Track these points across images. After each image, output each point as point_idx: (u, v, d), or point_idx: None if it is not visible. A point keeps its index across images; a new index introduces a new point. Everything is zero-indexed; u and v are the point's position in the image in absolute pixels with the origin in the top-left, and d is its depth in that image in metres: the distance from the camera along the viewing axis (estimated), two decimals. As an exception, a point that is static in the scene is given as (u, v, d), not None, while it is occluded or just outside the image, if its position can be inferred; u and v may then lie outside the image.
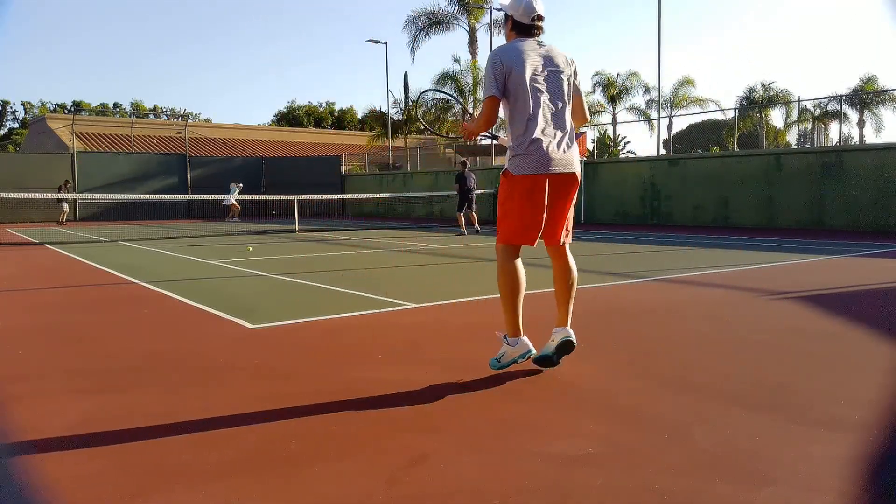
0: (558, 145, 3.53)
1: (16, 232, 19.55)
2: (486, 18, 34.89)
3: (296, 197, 19.91)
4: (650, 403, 3.19)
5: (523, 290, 3.59)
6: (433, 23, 36.08)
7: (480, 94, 35.59)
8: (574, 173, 3.60)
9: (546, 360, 3.68)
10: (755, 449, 2.59)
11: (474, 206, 16.32)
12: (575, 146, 3.62)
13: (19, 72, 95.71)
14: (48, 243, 14.51)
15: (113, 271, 8.95)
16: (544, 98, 3.53)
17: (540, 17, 3.60)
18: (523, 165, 3.49)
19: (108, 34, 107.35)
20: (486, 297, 6.32)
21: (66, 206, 24.33)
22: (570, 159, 3.58)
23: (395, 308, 5.77)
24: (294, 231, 18.15)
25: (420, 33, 36.15)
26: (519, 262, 3.60)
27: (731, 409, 3.08)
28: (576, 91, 3.70)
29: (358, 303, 6.13)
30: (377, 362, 4.02)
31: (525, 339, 3.63)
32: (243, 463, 2.52)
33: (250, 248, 12.59)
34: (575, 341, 3.66)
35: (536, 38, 3.62)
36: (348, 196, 27.29)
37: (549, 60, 3.57)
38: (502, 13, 3.73)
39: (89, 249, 12.82)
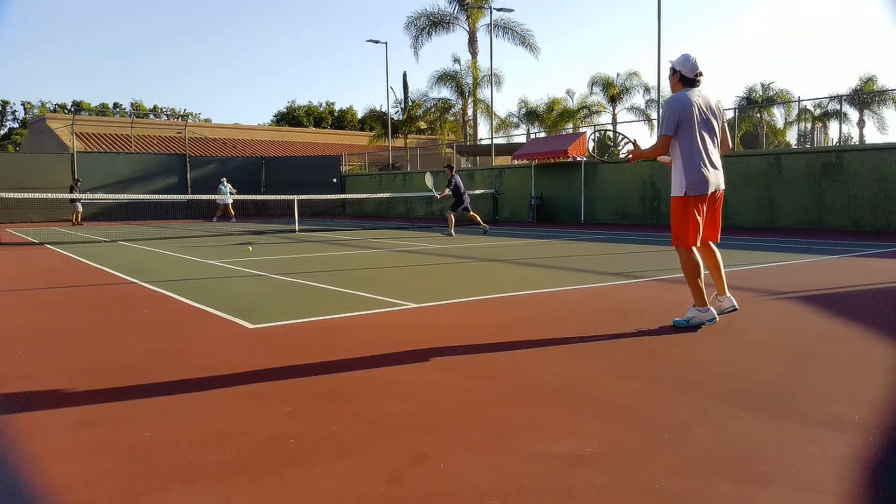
0: (715, 170, 4.74)
1: (16, 232, 19.55)
2: (485, 19, 34.89)
3: (296, 197, 19.91)
4: (650, 403, 3.19)
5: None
6: (433, 23, 36.06)
7: (481, 94, 35.71)
8: (720, 191, 4.84)
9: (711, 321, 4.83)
10: (755, 449, 2.59)
11: (470, 206, 16.15)
12: (721, 169, 4.84)
13: (19, 72, 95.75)
14: (48, 243, 14.51)
15: (113, 271, 8.95)
16: (706, 134, 4.69)
17: (700, 74, 4.73)
18: (693, 188, 4.66)
19: (107, 34, 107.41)
20: (485, 298, 6.32)
21: (80, 206, 24.13)
22: (720, 181, 4.79)
23: (395, 308, 5.77)
24: (294, 231, 18.15)
25: (421, 34, 36.16)
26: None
27: (731, 409, 3.08)
28: (723, 126, 4.88)
29: (358, 303, 6.13)
30: (377, 362, 4.02)
31: (712, 308, 4.82)
32: (243, 463, 2.52)
33: (250, 248, 12.59)
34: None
35: (698, 88, 4.75)
36: (348, 196, 27.30)
37: (707, 105, 4.74)
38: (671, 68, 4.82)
39: (89, 249, 12.82)
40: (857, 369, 3.77)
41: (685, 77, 4.72)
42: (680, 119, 4.64)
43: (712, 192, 4.74)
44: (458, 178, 15.94)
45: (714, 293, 5.05)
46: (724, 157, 5.02)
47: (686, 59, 4.72)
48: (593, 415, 3.04)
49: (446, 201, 17.40)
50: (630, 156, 5.14)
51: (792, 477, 2.34)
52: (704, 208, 4.75)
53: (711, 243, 4.96)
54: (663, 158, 4.95)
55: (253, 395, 3.38)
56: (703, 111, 4.71)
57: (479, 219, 16.47)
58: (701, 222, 4.74)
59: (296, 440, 2.74)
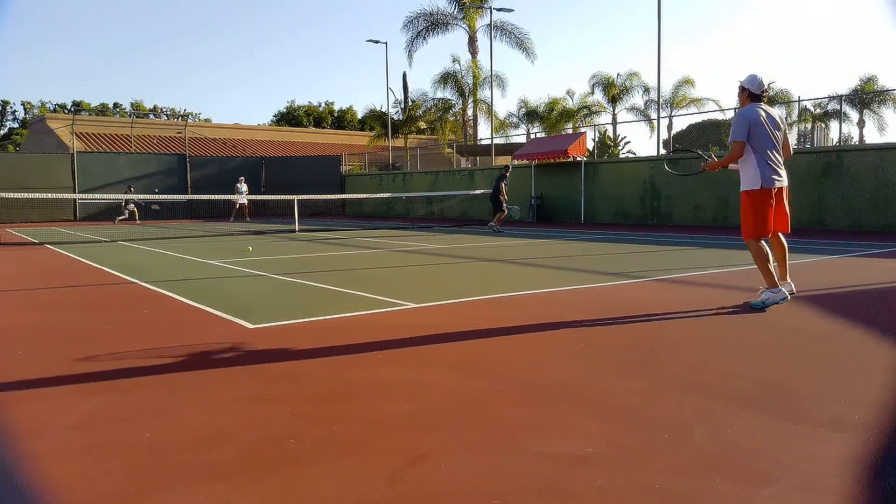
0: (780, 169, 5.52)
1: (16, 232, 19.56)
2: (485, 20, 34.88)
3: (296, 197, 19.91)
4: (650, 403, 3.19)
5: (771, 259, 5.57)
6: (432, 24, 36.01)
7: (481, 94, 35.75)
8: (785, 186, 5.58)
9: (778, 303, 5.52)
10: (755, 449, 2.59)
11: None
12: (784, 169, 5.60)
13: (19, 72, 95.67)
14: (48, 243, 14.51)
15: (113, 271, 8.95)
16: (772, 138, 5.48)
17: (766, 91, 5.62)
18: (767, 182, 5.44)
19: (108, 34, 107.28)
20: (485, 298, 6.32)
21: (132, 207, 24.64)
22: (784, 179, 5.56)
23: (395, 308, 5.77)
24: (294, 231, 18.15)
25: (418, 37, 36.11)
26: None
27: (731, 409, 3.08)
28: (785, 134, 5.63)
29: (358, 303, 6.13)
30: (377, 362, 4.02)
31: (783, 288, 5.53)
32: (243, 463, 2.52)
33: (250, 248, 12.59)
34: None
35: (764, 102, 5.61)
36: (348, 196, 27.29)
37: (771, 116, 5.55)
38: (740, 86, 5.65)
39: (89, 249, 12.82)
40: (858, 369, 3.77)
41: (753, 93, 5.55)
42: (750, 126, 5.43)
43: (778, 188, 5.48)
44: (502, 177, 17.34)
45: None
46: (785, 161, 5.70)
47: (754, 79, 5.56)
48: (593, 415, 3.04)
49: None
50: (705, 168, 6.08)
51: (792, 477, 2.34)
52: (773, 202, 5.49)
53: (780, 234, 5.73)
54: (734, 166, 5.77)
55: (253, 395, 3.38)
56: (769, 120, 5.51)
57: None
58: (771, 214, 5.50)
59: (296, 440, 2.74)
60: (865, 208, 15.22)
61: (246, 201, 26.22)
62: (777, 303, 5.45)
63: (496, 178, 17.78)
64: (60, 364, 4.06)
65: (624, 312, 5.52)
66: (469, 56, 36.72)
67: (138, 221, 25.09)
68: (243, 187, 26.59)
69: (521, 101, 46.28)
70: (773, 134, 5.50)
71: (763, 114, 5.51)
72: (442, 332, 4.86)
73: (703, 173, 6.27)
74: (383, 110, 40.80)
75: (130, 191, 25.39)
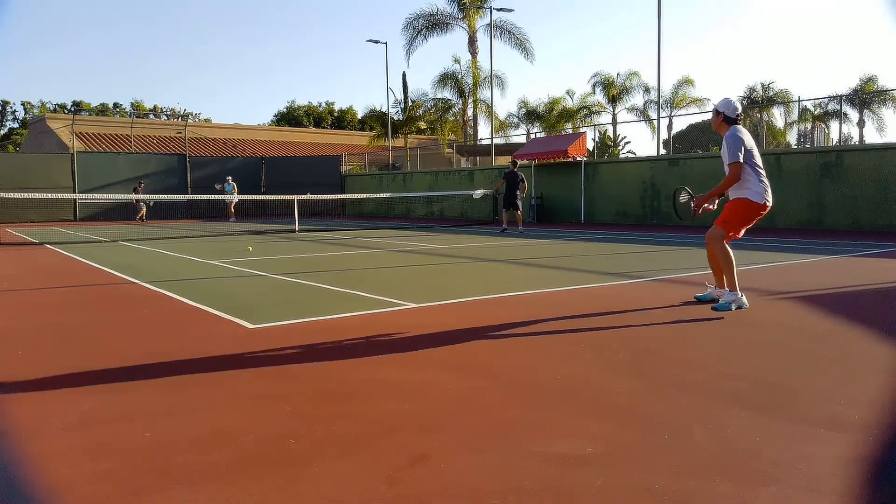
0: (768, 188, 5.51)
1: (16, 232, 19.55)
2: (485, 20, 34.87)
3: (296, 197, 19.91)
4: (650, 403, 3.19)
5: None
6: (432, 25, 35.99)
7: (481, 94, 35.73)
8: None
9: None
10: (755, 449, 2.59)
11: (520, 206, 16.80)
12: None
13: (19, 72, 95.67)
14: (48, 243, 14.51)
15: (113, 271, 8.95)
16: (760, 159, 5.50)
17: (741, 115, 5.62)
18: (769, 199, 5.44)
19: (107, 34, 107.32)
20: (485, 298, 6.32)
21: (143, 206, 25.15)
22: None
23: (395, 308, 5.77)
24: (294, 231, 18.15)
25: (417, 37, 36.09)
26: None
27: (731, 409, 3.08)
28: None
29: (358, 303, 6.13)
30: (377, 362, 4.02)
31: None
32: (243, 463, 2.52)
33: (250, 248, 12.59)
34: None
35: (740, 125, 5.58)
36: (348, 196, 27.29)
37: (751, 138, 5.58)
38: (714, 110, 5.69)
39: (89, 249, 12.82)
40: (857, 369, 3.77)
41: (728, 117, 5.54)
42: (746, 147, 5.40)
43: (768, 208, 5.48)
44: (513, 174, 16.71)
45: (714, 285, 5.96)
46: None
47: (728, 103, 5.56)
48: (593, 415, 3.04)
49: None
50: (696, 210, 5.87)
51: (792, 477, 2.34)
52: (757, 219, 5.53)
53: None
54: (709, 207, 5.81)
55: (253, 395, 3.38)
56: (754, 141, 5.55)
57: (507, 219, 17.20)
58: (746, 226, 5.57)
59: (296, 440, 2.74)
60: (865, 208, 15.22)
61: (234, 200, 25.99)
62: (740, 307, 5.48)
63: (508, 174, 16.76)
64: (60, 364, 4.07)
65: (623, 312, 5.52)
66: (469, 56, 36.73)
67: (138, 221, 25.15)
68: (229, 187, 26.41)
69: (520, 101, 46.34)
70: (757, 152, 5.53)
71: (748, 135, 5.55)
72: (442, 332, 4.86)
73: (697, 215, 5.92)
74: (383, 110, 40.83)
75: (140, 187, 25.45)
